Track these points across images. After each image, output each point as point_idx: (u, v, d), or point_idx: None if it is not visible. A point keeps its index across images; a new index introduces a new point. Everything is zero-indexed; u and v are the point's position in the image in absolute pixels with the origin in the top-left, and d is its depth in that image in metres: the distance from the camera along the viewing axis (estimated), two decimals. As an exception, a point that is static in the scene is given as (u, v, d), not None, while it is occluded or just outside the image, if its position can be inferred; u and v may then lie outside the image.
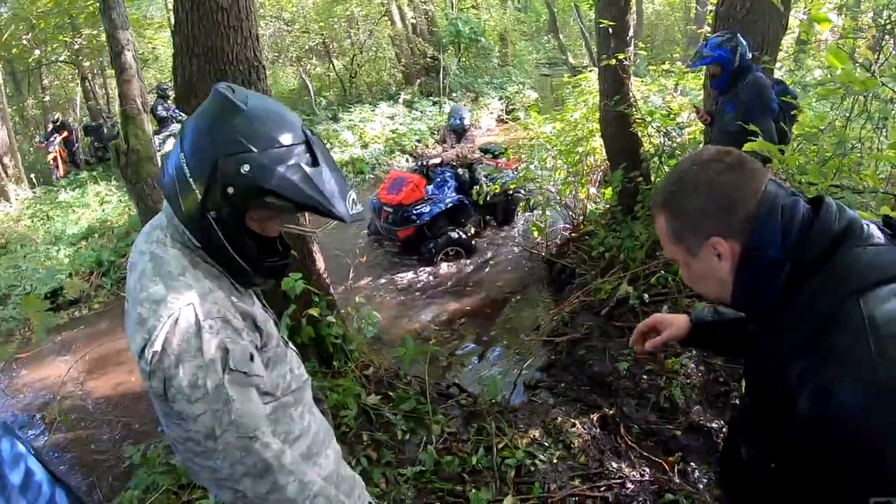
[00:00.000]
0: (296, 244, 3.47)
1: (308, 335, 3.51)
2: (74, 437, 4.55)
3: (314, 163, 1.20)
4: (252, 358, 1.25)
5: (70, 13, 12.89)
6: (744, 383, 1.24)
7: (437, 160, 7.21)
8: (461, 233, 6.81)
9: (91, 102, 16.40)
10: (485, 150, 7.74)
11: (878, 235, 0.97)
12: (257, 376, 1.27)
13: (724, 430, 3.28)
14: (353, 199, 1.25)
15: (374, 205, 6.99)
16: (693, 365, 3.80)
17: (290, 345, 1.58)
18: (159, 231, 1.29)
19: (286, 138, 1.18)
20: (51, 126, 12.66)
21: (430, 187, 6.86)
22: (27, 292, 6.91)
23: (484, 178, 6.83)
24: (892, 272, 0.92)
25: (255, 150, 1.15)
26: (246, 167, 1.14)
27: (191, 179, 1.19)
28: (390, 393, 3.72)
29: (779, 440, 1.05)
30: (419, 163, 7.43)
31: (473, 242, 6.96)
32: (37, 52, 14.27)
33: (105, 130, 12.78)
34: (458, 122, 7.60)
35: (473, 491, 2.90)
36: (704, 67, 4.47)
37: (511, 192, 6.90)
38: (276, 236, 1.36)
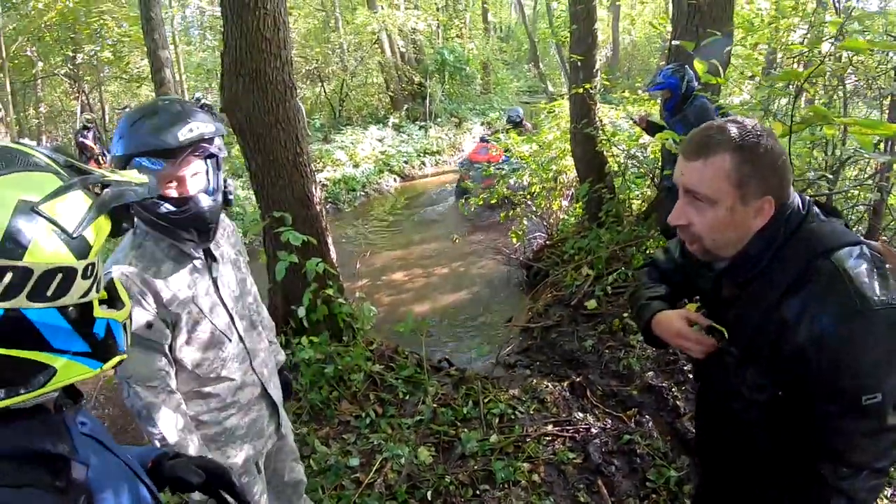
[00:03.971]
0: (313, 235, 4.12)
1: (322, 313, 4.14)
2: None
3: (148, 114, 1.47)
4: (150, 326, 1.53)
5: (75, 28, 13.47)
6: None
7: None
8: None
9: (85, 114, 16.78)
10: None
11: (821, 213, 1.25)
12: (150, 340, 1.54)
13: (678, 390, 3.97)
14: (190, 129, 1.46)
15: (463, 165, 9.35)
16: (647, 342, 4.50)
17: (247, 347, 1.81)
18: None
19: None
20: (80, 125, 12.23)
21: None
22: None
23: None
24: (845, 239, 1.19)
25: (126, 134, 1.46)
26: (120, 144, 1.45)
27: None
28: (391, 364, 4.36)
29: (776, 368, 1.24)
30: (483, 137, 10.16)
31: None
32: (39, 64, 14.77)
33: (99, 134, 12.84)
34: (517, 116, 9.56)
35: (465, 432, 3.55)
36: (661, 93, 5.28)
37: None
38: (191, 195, 1.54)
